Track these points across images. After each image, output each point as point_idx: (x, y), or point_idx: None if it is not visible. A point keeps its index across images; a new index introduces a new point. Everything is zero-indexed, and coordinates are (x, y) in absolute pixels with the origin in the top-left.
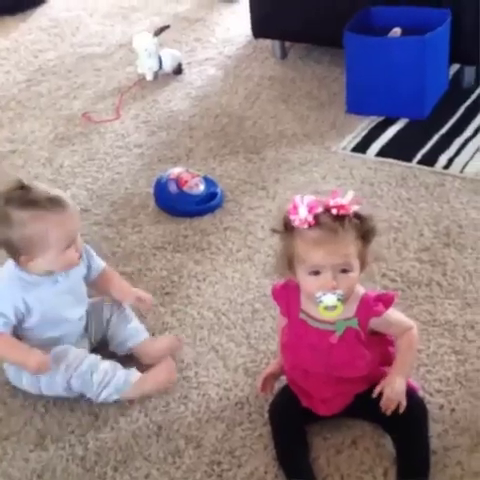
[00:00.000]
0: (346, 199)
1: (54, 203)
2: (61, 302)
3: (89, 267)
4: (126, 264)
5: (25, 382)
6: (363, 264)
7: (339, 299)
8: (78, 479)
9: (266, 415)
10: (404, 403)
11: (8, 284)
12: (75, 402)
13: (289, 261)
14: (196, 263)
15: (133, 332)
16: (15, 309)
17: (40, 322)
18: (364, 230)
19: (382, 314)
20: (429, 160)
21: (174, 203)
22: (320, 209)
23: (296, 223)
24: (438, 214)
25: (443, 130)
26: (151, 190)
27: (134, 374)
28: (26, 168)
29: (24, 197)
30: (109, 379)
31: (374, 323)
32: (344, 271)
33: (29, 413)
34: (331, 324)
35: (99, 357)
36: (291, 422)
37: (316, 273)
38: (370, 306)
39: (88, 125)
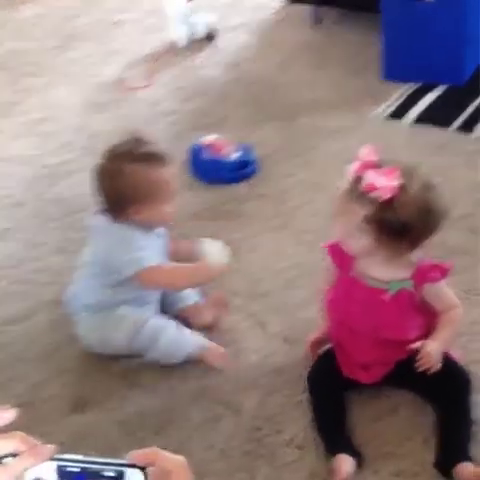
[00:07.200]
0: None
1: (164, 158)
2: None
3: None
4: None
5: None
6: None
7: None
8: (119, 443)
9: (305, 382)
10: (438, 367)
11: (127, 231)
12: (114, 366)
13: None
14: (231, 230)
15: (184, 294)
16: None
17: None
18: None
19: (438, 280)
20: (467, 127)
21: (209, 170)
22: None
23: None
24: (477, 182)
25: None
26: (186, 158)
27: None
28: (60, 134)
29: (136, 151)
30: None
31: (426, 290)
32: None
33: (68, 377)
34: (385, 283)
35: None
36: (330, 390)
37: None
38: (427, 271)
39: (120, 92)
